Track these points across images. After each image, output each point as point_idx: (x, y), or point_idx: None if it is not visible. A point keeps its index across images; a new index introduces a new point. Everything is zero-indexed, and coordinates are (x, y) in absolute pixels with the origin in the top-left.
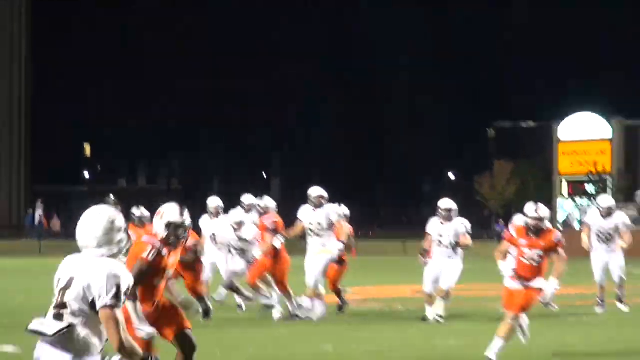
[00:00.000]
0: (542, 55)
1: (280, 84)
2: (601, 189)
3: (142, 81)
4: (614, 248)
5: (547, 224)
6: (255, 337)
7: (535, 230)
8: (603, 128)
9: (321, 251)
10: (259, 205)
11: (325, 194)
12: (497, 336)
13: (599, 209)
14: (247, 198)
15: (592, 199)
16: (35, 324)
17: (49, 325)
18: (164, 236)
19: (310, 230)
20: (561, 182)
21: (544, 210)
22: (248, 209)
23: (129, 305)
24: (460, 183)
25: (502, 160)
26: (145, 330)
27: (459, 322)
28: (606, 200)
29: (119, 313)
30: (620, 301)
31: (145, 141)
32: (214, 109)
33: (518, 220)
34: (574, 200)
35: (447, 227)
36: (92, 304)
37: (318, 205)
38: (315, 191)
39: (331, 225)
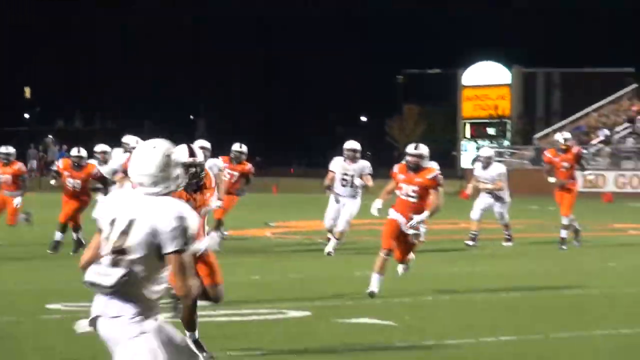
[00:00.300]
0: (451, 6)
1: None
2: (501, 131)
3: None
4: (499, 195)
5: (429, 164)
6: None
7: (414, 167)
8: (503, 75)
9: None
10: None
11: (207, 146)
12: (374, 272)
13: (480, 159)
14: (129, 139)
15: (492, 140)
16: (92, 275)
17: (106, 274)
18: None
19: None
20: (465, 125)
21: (423, 149)
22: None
23: None
24: (371, 126)
25: (411, 105)
26: None
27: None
28: (485, 151)
29: (187, 257)
30: (508, 240)
31: (82, 87)
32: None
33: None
34: (476, 142)
35: (353, 167)
36: (157, 249)
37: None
38: (199, 144)
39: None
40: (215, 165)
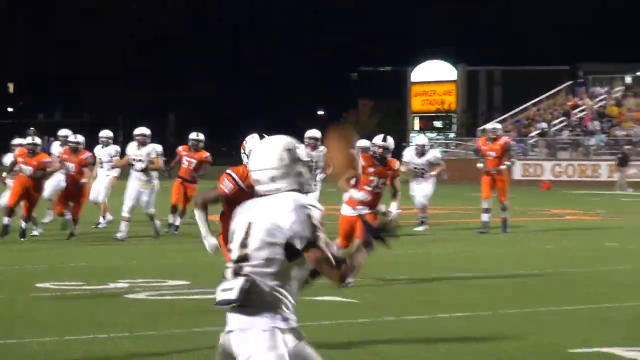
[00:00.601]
0: (402, 9)
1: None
2: (447, 124)
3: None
4: (426, 179)
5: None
6: (117, 251)
7: (381, 158)
8: (449, 72)
9: (143, 185)
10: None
11: (147, 132)
12: None
13: (415, 147)
14: (65, 132)
15: (439, 132)
16: (218, 293)
17: (229, 288)
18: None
19: (134, 165)
20: (414, 118)
21: (390, 141)
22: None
23: (197, 214)
24: (328, 119)
25: (365, 99)
26: (210, 241)
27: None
28: (420, 139)
29: (323, 247)
30: (422, 223)
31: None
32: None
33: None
34: (425, 134)
35: (313, 154)
36: (283, 248)
37: (142, 143)
38: (139, 130)
39: (151, 162)
40: (155, 150)
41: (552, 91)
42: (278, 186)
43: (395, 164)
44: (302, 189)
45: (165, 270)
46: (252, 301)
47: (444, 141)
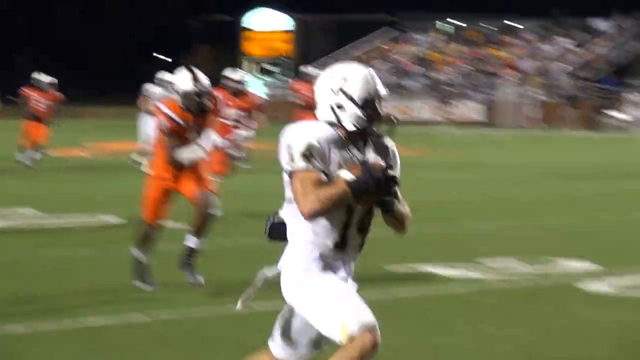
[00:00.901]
0: None
1: None
2: (282, 70)
3: None
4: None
5: (246, 88)
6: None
7: (235, 92)
8: (284, 21)
9: None
10: None
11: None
12: None
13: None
14: None
15: (275, 78)
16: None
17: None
18: (182, 105)
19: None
20: (250, 64)
21: (242, 75)
22: None
23: (181, 157)
24: (170, 65)
25: (204, 46)
26: (196, 151)
27: None
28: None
29: (303, 178)
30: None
31: None
32: None
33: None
34: (261, 78)
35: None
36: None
37: None
38: None
39: None
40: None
41: (376, 37)
42: (316, 113)
43: (255, 97)
44: (340, 124)
45: (14, 199)
46: (291, 235)
47: (280, 86)
